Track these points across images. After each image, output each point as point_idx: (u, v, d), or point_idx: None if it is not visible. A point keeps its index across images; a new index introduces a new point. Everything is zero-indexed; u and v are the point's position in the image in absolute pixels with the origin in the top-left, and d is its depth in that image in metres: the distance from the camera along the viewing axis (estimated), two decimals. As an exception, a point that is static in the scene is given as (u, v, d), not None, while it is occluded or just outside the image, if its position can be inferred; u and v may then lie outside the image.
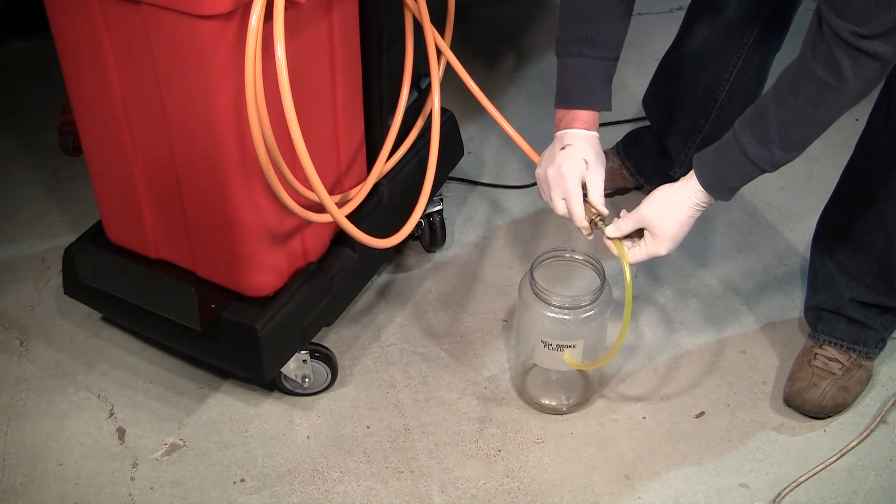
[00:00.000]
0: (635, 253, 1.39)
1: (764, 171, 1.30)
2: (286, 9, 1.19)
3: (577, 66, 1.41)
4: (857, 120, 1.53)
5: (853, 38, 1.14)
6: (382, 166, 1.58)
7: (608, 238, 1.41)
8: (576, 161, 1.39)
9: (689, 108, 1.82)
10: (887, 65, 1.18)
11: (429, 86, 1.67)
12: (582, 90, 1.41)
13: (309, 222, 1.44)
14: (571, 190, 1.39)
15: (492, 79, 2.36)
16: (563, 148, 1.41)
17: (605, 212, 1.40)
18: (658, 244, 1.37)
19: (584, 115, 1.42)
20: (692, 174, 1.35)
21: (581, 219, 1.40)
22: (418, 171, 1.67)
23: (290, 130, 1.24)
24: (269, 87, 1.22)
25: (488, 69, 2.39)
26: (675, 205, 1.36)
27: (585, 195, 1.40)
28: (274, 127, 1.25)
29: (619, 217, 1.41)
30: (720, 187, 1.34)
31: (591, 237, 1.43)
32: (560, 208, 1.42)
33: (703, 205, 1.36)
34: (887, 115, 1.44)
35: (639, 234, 1.40)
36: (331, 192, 1.49)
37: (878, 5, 1.11)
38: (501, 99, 2.28)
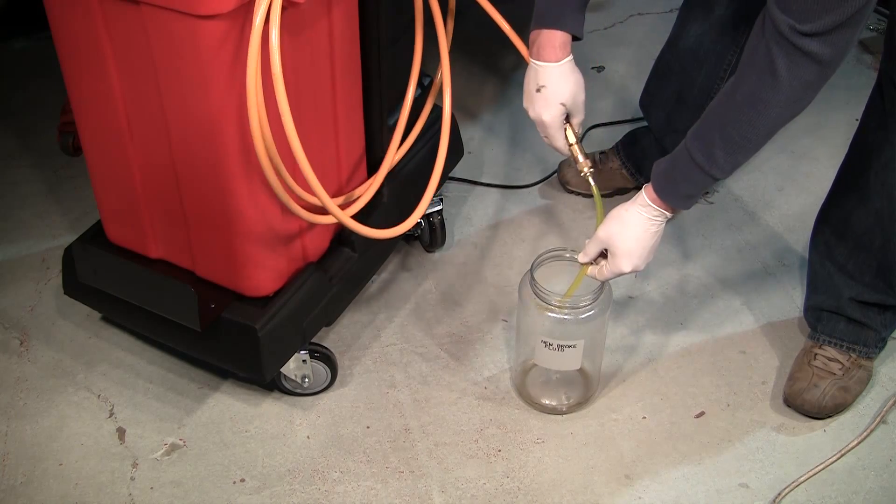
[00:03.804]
0: (602, 273, 1.43)
1: (714, 178, 1.30)
2: (285, 8, 1.19)
3: None
4: (856, 120, 1.52)
5: (791, 33, 1.14)
6: (389, 165, 1.57)
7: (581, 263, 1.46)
8: (553, 108, 1.44)
9: (686, 109, 1.82)
10: (825, 68, 1.17)
11: (430, 84, 1.67)
12: (554, 10, 1.42)
13: (311, 225, 1.44)
14: (553, 135, 1.47)
15: (491, 79, 2.35)
16: (538, 90, 1.44)
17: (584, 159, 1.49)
18: (617, 262, 1.39)
19: (556, 40, 1.42)
20: (644, 189, 1.37)
21: (566, 153, 1.49)
22: (418, 170, 1.67)
23: (287, 134, 1.24)
24: (270, 87, 1.22)
25: (487, 69, 2.38)
26: (626, 222, 1.38)
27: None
28: (274, 128, 1.25)
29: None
30: (673, 194, 1.35)
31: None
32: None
33: (658, 217, 1.37)
34: (882, 112, 1.44)
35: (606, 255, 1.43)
36: (332, 194, 1.49)
37: (821, 4, 1.11)
38: (501, 99, 2.28)
